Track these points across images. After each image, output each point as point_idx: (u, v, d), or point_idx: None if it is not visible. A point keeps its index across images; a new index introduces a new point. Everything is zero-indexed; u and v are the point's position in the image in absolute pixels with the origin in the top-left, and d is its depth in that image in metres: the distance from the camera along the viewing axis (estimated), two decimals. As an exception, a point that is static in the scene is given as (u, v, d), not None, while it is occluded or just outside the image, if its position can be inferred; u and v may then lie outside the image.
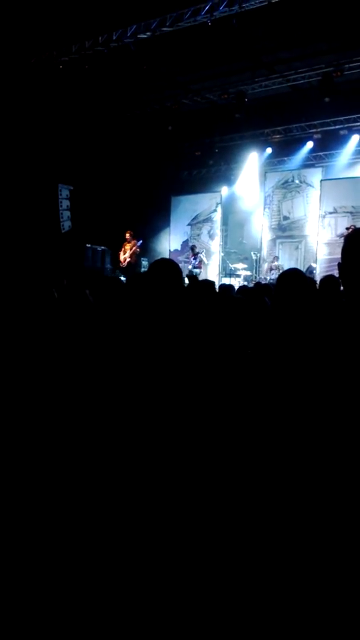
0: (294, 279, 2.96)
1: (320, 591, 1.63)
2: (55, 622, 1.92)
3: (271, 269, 15.71)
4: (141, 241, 14.88)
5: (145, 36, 11.34)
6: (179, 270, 2.51)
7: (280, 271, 15.30)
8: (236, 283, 14.92)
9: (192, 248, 16.97)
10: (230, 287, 7.68)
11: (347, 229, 14.30)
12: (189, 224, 18.56)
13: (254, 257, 17.07)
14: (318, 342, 2.00)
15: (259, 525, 1.87)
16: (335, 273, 6.10)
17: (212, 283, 5.62)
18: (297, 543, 1.71)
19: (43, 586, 2.00)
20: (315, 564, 1.65)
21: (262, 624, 1.73)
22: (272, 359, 2.42)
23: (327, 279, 5.60)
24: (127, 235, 14.40)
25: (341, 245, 1.88)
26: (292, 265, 15.68)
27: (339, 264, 1.93)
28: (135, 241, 14.39)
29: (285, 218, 16.84)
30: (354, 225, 14.35)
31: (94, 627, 1.90)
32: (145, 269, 15.16)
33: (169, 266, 2.58)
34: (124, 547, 1.99)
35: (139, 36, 11.37)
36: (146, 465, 2.08)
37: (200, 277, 12.77)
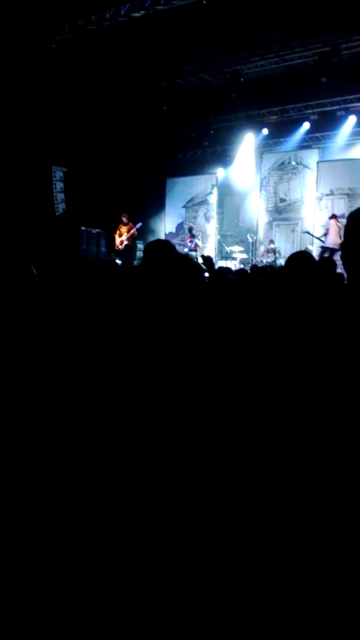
0: (304, 260, 2.94)
1: (321, 591, 1.62)
2: (55, 622, 1.91)
3: (267, 252, 15.65)
4: (140, 224, 14.79)
5: (139, 15, 11.16)
6: (173, 250, 2.48)
7: (277, 254, 15.26)
8: (232, 266, 14.88)
9: (190, 230, 16.90)
10: (227, 269, 7.64)
11: (330, 218, 14.33)
12: (184, 207, 18.48)
13: (250, 240, 16.98)
14: (324, 324, 1.97)
15: (259, 524, 1.85)
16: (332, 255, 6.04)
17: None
18: (297, 542, 1.70)
19: (43, 586, 1.98)
20: (315, 563, 1.64)
21: (262, 624, 1.72)
22: (276, 341, 2.38)
23: (323, 261, 5.56)
24: (123, 218, 14.31)
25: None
26: (289, 247, 15.66)
27: (341, 244, 1.88)
28: (132, 224, 14.30)
29: (282, 200, 16.76)
30: (335, 215, 14.44)
31: (94, 627, 1.89)
32: (141, 252, 15.12)
33: (163, 247, 2.55)
34: (123, 546, 1.97)
35: (132, 15, 11.19)
36: (144, 459, 2.06)
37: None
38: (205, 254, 17.04)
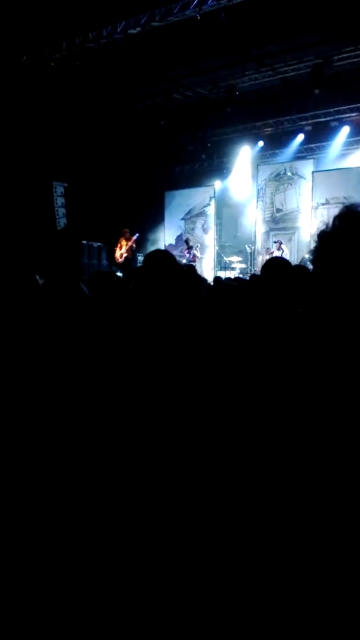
0: (279, 266, 3.04)
1: (321, 591, 1.64)
2: (55, 622, 1.94)
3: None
4: (137, 234, 14.88)
5: (134, 32, 11.37)
6: (173, 260, 2.57)
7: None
8: (231, 276, 14.98)
9: (186, 241, 17.01)
10: (227, 278, 7.76)
11: (275, 242, 15.28)
12: (182, 219, 18.61)
13: (248, 250, 17.11)
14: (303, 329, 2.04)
15: (259, 525, 1.88)
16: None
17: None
18: (297, 541, 1.72)
19: (43, 586, 2.01)
20: (315, 564, 1.66)
21: (262, 624, 1.75)
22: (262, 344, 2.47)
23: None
24: (125, 233, 14.43)
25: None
26: (287, 257, 15.78)
27: (312, 252, 1.78)
28: (131, 236, 14.41)
29: (279, 210, 16.90)
30: (280, 240, 15.46)
31: (94, 627, 1.93)
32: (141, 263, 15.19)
33: (163, 256, 2.64)
34: (123, 546, 2.02)
35: (128, 32, 11.39)
36: (146, 463, 2.10)
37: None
38: (204, 265, 17.19)
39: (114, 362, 2.39)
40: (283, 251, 15.26)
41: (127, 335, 2.50)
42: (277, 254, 14.91)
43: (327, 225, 1.66)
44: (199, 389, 2.25)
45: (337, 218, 1.67)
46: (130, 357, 2.34)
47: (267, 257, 15.69)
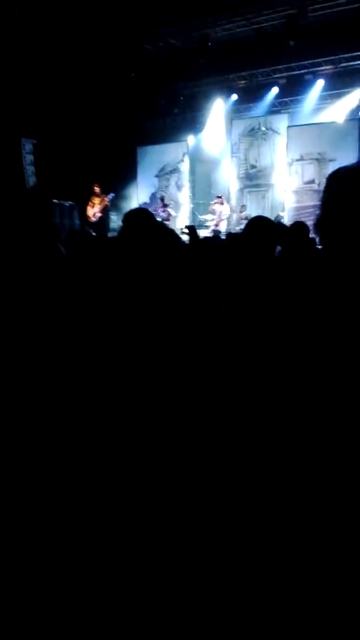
0: (263, 226, 2.99)
1: (321, 591, 1.64)
2: (55, 622, 1.93)
3: (240, 219, 15.65)
4: (113, 195, 14.61)
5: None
6: (153, 219, 2.50)
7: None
8: (206, 234, 14.84)
9: (162, 199, 16.80)
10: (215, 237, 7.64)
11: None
12: (156, 176, 18.33)
13: (217, 208, 16.91)
14: (291, 290, 2.00)
15: (259, 520, 1.85)
16: (305, 220, 6.03)
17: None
18: (297, 540, 1.70)
19: (43, 586, 2.00)
20: (315, 562, 1.65)
21: (262, 624, 1.74)
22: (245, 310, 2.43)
23: (297, 225, 5.58)
24: (96, 189, 14.15)
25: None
26: (260, 214, 15.58)
27: (320, 205, 1.82)
28: (104, 195, 14.15)
29: (252, 167, 16.71)
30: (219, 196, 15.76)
31: (93, 627, 1.91)
32: (115, 224, 15.01)
33: (143, 215, 2.56)
34: (123, 543, 1.99)
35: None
36: (131, 445, 2.07)
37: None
38: (178, 223, 17.00)
39: (102, 322, 2.34)
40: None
41: (112, 294, 2.44)
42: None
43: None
44: (185, 344, 2.21)
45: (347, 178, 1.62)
46: (118, 315, 2.29)
47: (243, 214, 15.57)
